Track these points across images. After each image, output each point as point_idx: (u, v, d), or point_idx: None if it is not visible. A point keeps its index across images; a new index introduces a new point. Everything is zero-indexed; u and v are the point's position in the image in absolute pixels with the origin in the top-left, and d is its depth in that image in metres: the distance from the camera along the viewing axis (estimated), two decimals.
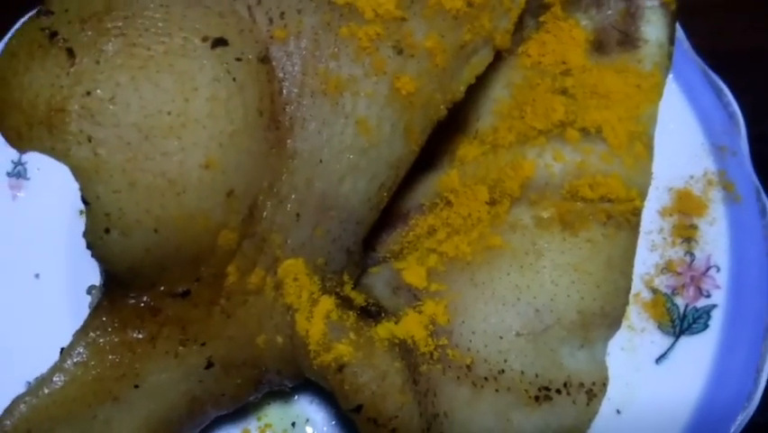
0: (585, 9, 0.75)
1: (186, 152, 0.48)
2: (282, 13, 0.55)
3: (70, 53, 0.47)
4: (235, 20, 0.53)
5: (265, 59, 0.53)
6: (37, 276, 0.76)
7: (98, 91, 0.46)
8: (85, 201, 0.48)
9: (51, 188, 0.79)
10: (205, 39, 0.50)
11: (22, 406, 0.52)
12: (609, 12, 0.74)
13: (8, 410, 0.52)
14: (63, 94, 0.46)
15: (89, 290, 0.64)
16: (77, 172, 0.47)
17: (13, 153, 0.80)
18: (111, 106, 0.46)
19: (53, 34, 0.48)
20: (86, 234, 0.49)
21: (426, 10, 0.58)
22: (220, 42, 0.50)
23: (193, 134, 0.48)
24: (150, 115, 0.47)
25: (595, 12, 0.75)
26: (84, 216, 0.76)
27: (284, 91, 0.54)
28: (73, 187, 0.75)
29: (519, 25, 0.74)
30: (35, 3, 0.81)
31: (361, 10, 0.56)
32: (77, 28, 0.48)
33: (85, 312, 0.57)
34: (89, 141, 0.46)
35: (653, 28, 0.73)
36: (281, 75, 0.54)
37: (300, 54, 0.55)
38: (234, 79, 0.50)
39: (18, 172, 0.81)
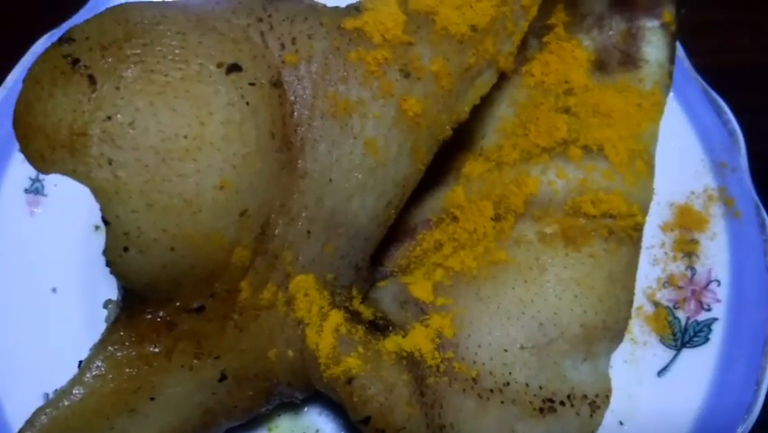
0: (587, 30, 0.77)
1: (201, 174, 0.50)
2: (294, 39, 0.57)
3: (91, 80, 0.49)
4: (249, 46, 0.54)
5: (277, 84, 0.55)
6: (54, 290, 0.77)
7: (118, 116, 0.48)
8: (105, 221, 0.49)
9: (68, 204, 0.81)
10: (220, 65, 0.52)
11: (43, 417, 0.53)
12: (611, 32, 0.76)
13: (30, 422, 0.53)
14: (85, 119, 0.48)
15: (105, 304, 0.66)
16: (98, 193, 0.49)
17: (30, 170, 0.82)
18: (130, 131, 0.48)
19: (75, 61, 0.50)
20: (105, 252, 0.51)
21: (432, 35, 0.60)
22: (234, 68, 0.52)
23: (208, 157, 0.50)
24: (168, 139, 0.49)
25: (597, 33, 0.76)
26: (99, 231, 0.79)
27: (295, 114, 0.56)
28: (89, 203, 0.77)
29: (523, 46, 0.75)
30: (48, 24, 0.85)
31: (370, 35, 0.58)
32: (97, 55, 0.50)
33: (100, 326, 0.59)
34: (110, 163, 0.48)
35: (653, 48, 0.75)
36: (293, 98, 0.56)
37: (311, 78, 0.57)
38: (248, 103, 0.52)
39: (36, 189, 0.82)
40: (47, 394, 0.70)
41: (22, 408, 0.59)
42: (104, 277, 0.74)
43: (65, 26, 0.85)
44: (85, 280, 0.78)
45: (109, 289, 0.73)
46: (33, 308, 0.76)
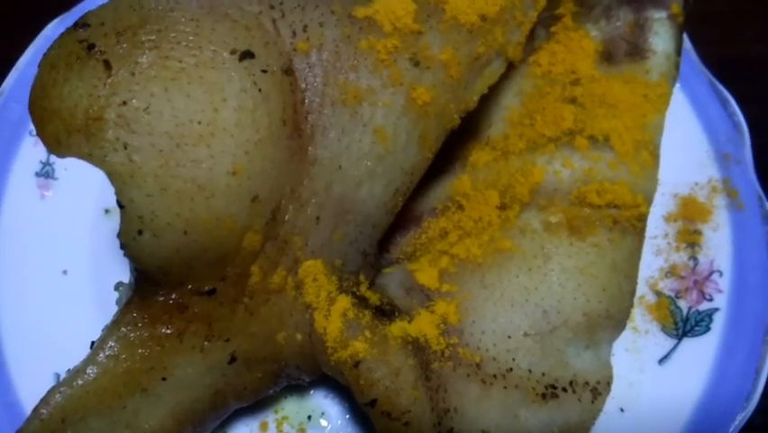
0: (595, 20, 0.77)
1: (214, 160, 0.50)
2: (305, 27, 0.57)
3: (107, 65, 0.50)
4: (261, 33, 0.55)
5: (289, 71, 0.55)
6: (65, 273, 0.78)
7: (134, 101, 0.49)
8: (119, 204, 0.50)
9: (78, 187, 0.82)
10: (233, 52, 0.52)
11: (57, 396, 0.54)
12: (618, 23, 0.76)
13: (44, 400, 0.54)
14: (100, 103, 0.49)
15: (116, 287, 0.67)
16: (113, 177, 0.49)
17: (41, 154, 0.83)
18: (145, 116, 0.49)
19: (91, 47, 0.50)
20: (119, 235, 0.51)
21: (442, 24, 0.61)
22: (247, 55, 0.53)
23: (221, 143, 0.51)
24: (182, 124, 0.50)
25: (604, 23, 0.77)
26: (109, 215, 0.80)
27: (306, 101, 0.57)
28: (99, 187, 0.79)
29: (531, 36, 0.75)
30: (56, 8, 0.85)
31: (380, 24, 0.59)
32: (113, 41, 0.50)
33: (111, 307, 0.60)
34: (125, 148, 0.49)
35: (660, 39, 0.75)
36: (304, 86, 0.57)
37: (322, 66, 0.57)
38: (260, 90, 0.53)
39: (46, 172, 0.83)
40: (58, 375, 0.71)
41: (33, 388, 0.60)
42: (114, 260, 0.76)
43: (76, 10, 0.86)
44: (95, 263, 0.79)
45: (119, 271, 0.74)
46: (44, 290, 0.77)
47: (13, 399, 0.71)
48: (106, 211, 0.81)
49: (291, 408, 0.73)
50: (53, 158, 0.83)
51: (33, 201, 0.82)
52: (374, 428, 0.62)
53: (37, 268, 0.78)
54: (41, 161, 0.83)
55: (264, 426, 0.72)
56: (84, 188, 0.81)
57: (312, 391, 0.74)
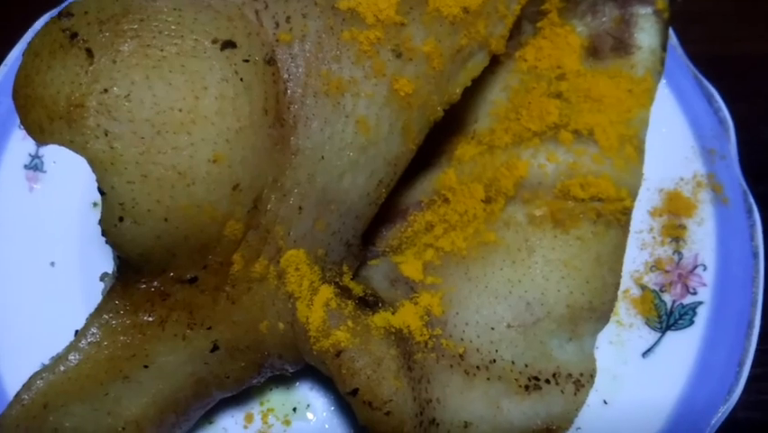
0: (581, 16, 0.78)
1: (195, 147, 0.51)
2: (288, 18, 0.58)
3: (89, 53, 0.50)
4: (243, 23, 0.55)
5: (271, 61, 0.56)
6: (52, 264, 0.79)
7: (115, 89, 0.49)
8: (101, 191, 0.50)
9: (66, 180, 0.82)
10: (214, 41, 0.53)
11: (39, 381, 0.55)
12: (604, 19, 0.77)
13: (26, 386, 0.55)
14: (82, 91, 0.49)
15: (102, 277, 0.67)
16: (94, 164, 0.50)
17: (30, 147, 0.84)
18: (126, 103, 0.49)
19: (73, 35, 0.51)
20: (101, 222, 0.52)
21: (425, 16, 0.61)
22: (229, 45, 0.53)
23: (202, 130, 0.51)
24: (163, 112, 0.50)
25: (590, 19, 0.77)
26: (97, 208, 0.81)
27: (288, 91, 0.57)
28: (87, 180, 0.79)
29: (517, 31, 0.76)
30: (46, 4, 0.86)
31: (363, 15, 0.59)
32: (95, 29, 0.51)
33: (97, 298, 0.60)
34: (106, 135, 0.49)
35: (646, 35, 0.76)
36: (286, 76, 0.57)
37: (304, 56, 0.57)
38: (242, 79, 0.53)
39: (35, 165, 0.83)
40: (44, 364, 0.71)
41: (20, 377, 0.60)
42: (101, 251, 0.76)
43: (65, 6, 0.86)
44: (82, 255, 0.79)
45: (106, 263, 0.74)
46: (32, 281, 0.77)
47: (0, 388, 0.71)
48: (94, 204, 0.82)
49: (277, 400, 0.74)
50: (42, 151, 0.84)
51: (22, 193, 0.82)
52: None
53: (25, 259, 0.78)
54: (29, 154, 0.84)
55: (249, 417, 0.72)
56: (72, 181, 0.82)
57: (297, 383, 0.74)
